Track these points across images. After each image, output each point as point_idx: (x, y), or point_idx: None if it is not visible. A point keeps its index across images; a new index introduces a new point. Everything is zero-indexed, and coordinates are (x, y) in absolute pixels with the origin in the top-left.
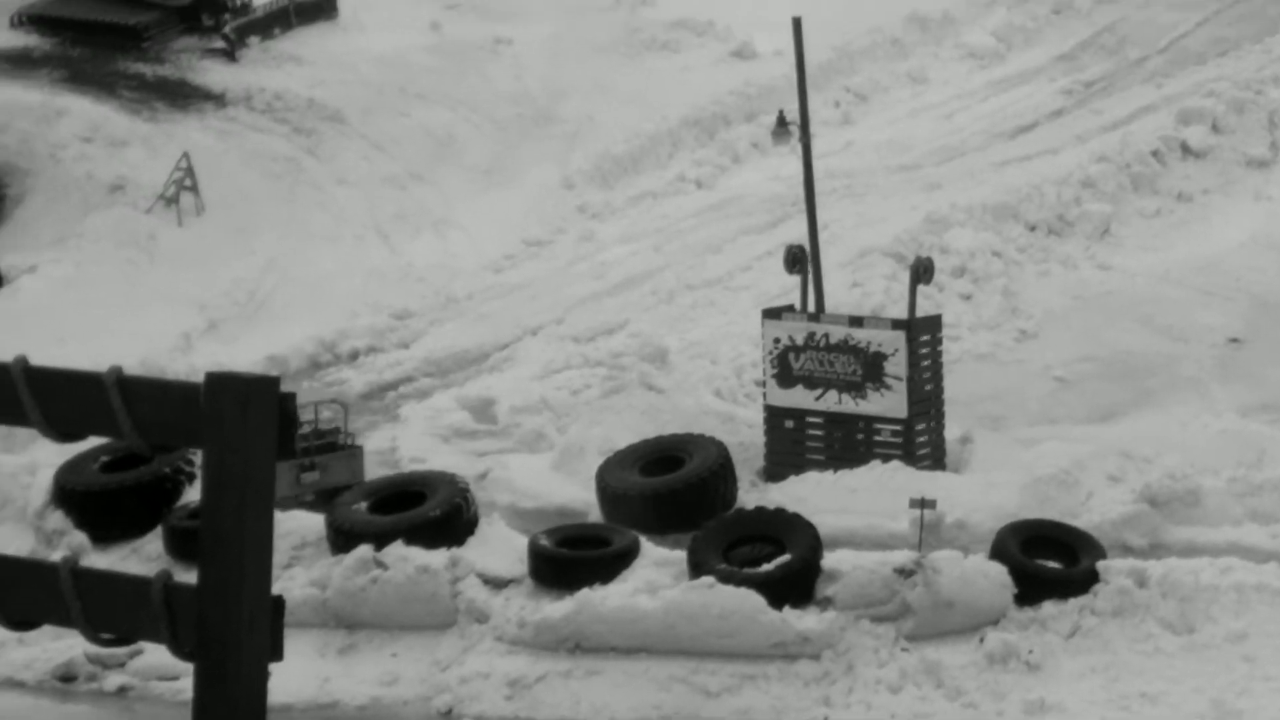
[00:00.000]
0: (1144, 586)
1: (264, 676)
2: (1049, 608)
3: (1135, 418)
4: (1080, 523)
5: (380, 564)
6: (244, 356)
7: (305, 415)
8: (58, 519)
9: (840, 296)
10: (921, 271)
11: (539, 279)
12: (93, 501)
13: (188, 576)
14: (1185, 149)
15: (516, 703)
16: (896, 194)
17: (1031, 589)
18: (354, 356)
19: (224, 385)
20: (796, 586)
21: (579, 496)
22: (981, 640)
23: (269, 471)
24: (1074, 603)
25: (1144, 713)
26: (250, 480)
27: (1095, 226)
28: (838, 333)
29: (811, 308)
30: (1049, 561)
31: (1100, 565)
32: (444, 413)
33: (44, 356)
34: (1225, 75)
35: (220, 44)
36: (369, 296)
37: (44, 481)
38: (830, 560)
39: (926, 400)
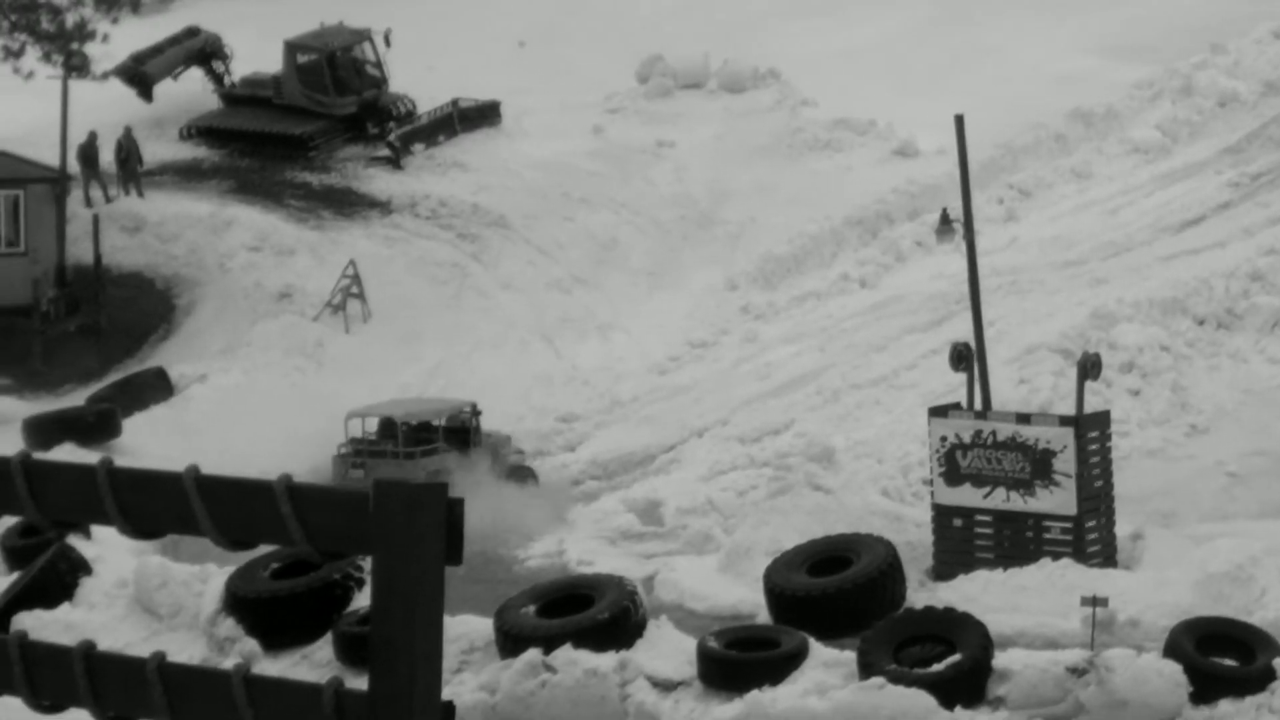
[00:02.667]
0: None
1: None
2: (1225, 706)
3: None
4: (1255, 619)
5: (549, 668)
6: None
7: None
8: (229, 626)
9: (1007, 394)
10: (1089, 367)
11: (703, 380)
12: (264, 608)
13: (358, 683)
14: None
15: None
16: (1062, 290)
17: (1207, 687)
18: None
19: (392, 492)
20: (968, 686)
21: (747, 598)
22: None
23: (438, 578)
24: (1251, 701)
25: None
26: (420, 586)
27: (1265, 319)
28: (1005, 430)
29: (978, 405)
30: (1224, 659)
31: (1277, 662)
32: (611, 515)
33: (214, 464)
34: None
35: (385, 152)
36: (535, 401)
37: (215, 589)
38: (1001, 660)
39: (1096, 497)
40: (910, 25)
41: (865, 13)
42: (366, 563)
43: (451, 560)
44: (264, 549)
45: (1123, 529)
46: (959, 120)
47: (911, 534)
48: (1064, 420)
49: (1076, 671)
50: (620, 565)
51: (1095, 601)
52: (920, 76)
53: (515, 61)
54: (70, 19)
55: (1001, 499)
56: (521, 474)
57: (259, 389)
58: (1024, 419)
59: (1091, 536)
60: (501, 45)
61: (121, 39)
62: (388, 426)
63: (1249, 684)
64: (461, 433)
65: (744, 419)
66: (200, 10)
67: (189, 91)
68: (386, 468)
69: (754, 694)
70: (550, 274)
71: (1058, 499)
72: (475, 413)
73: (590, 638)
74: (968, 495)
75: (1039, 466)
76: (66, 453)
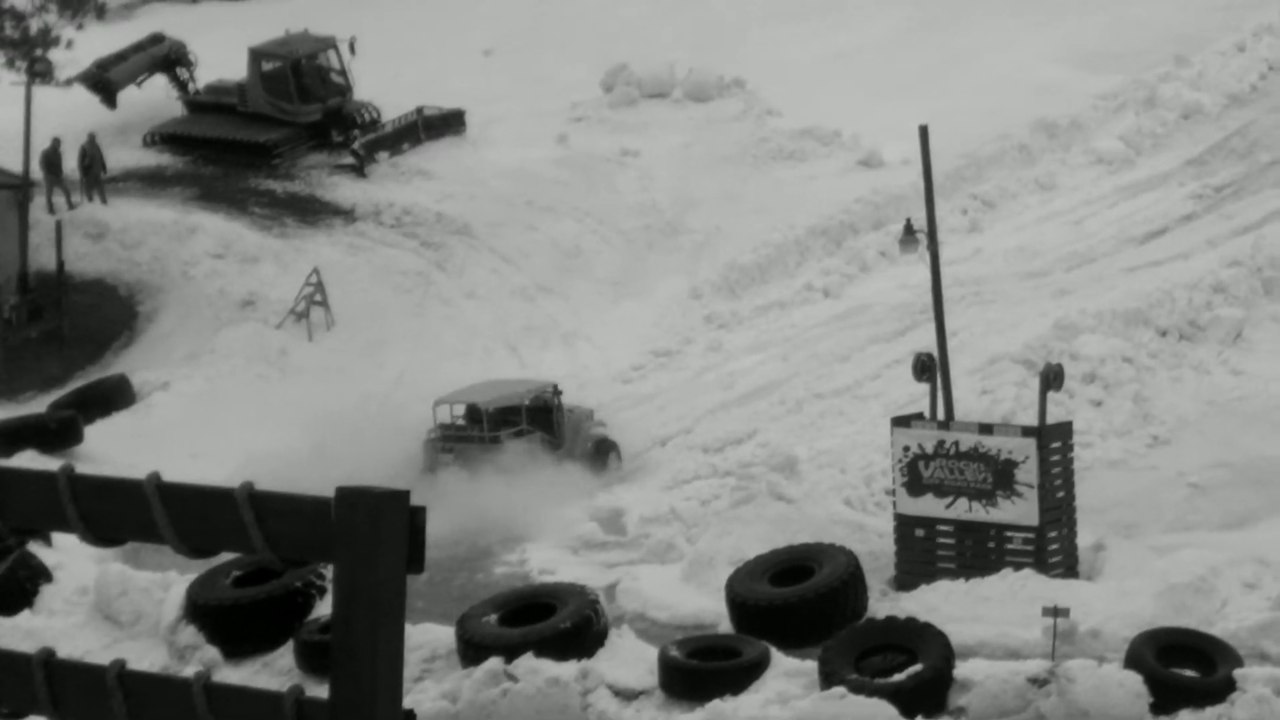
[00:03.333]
0: None
1: None
2: (1186, 717)
3: (1271, 524)
4: (1216, 630)
5: (511, 676)
6: (369, 472)
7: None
8: (190, 634)
9: (970, 404)
10: (1052, 378)
11: (667, 389)
12: (225, 616)
13: (320, 691)
14: None
15: None
16: (1025, 301)
17: (1168, 698)
18: None
19: (355, 500)
20: (929, 696)
21: (709, 607)
22: None
23: (400, 585)
24: (1211, 712)
25: None
26: (382, 595)
27: (1227, 331)
28: (968, 440)
29: (941, 416)
30: (1185, 670)
31: (1237, 673)
32: (574, 524)
33: (176, 472)
34: None
35: (350, 160)
36: None
37: (176, 596)
38: (963, 670)
39: (1058, 507)
40: (878, 35)
41: (833, 23)
42: (328, 570)
43: (413, 568)
44: (226, 556)
45: (1084, 540)
46: (923, 131)
47: (874, 544)
48: (1026, 431)
49: (1037, 682)
50: (582, 574)
51: (1056, 612)
52: (887, 86)
53: (481, 70)
54: (34, 25)
55: (964, 509)
56: (604, 447)
57: (222, 396)
58: (986, 429)
59: (1053, 547)
60: (467, 53)
61: (86, 45)
62: (474, 412)
63: (1209, 695)
64: (545, 412)
65: (707, 428)
66: (165, 17)
67: (153, 98)
68: (474, 452)
69: (715, 703)
70: (514, 282)
71: (1020, 509)
72: (557, 392)
73: (552, 647)
74: (930, 505)
75: (1001, 477)
76: (28, 460)
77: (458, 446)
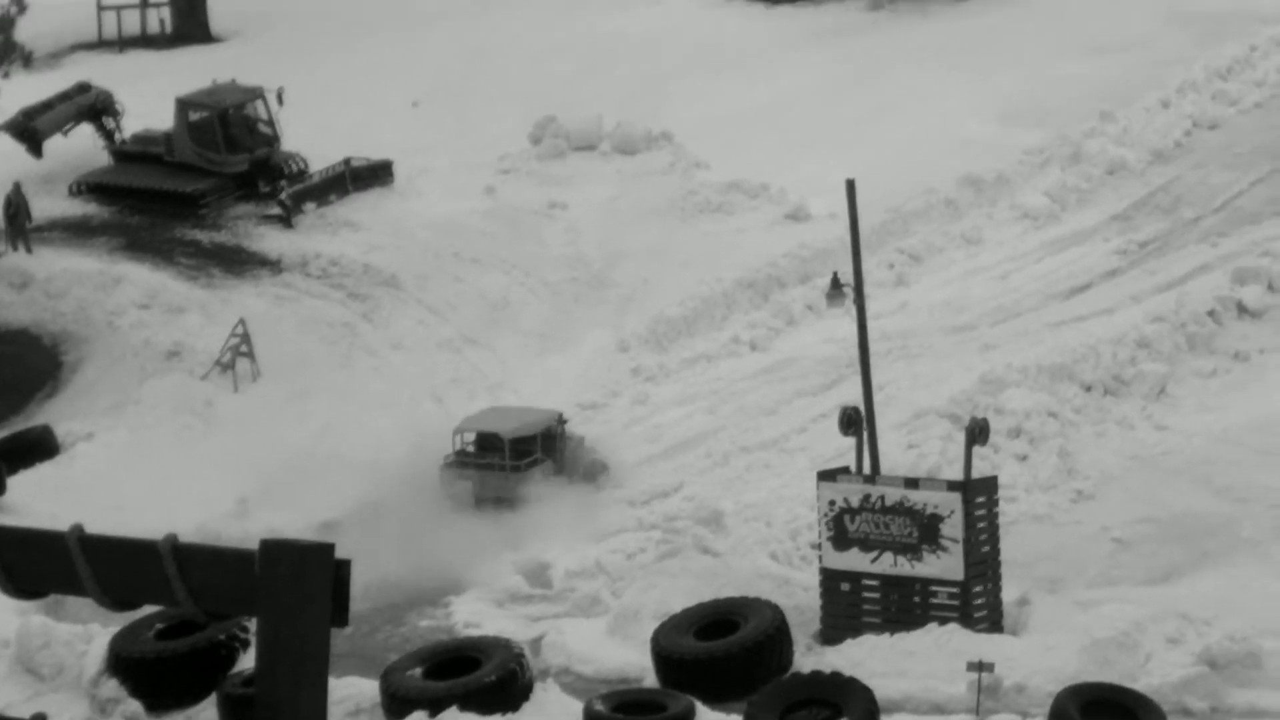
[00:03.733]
0: None
1: None
2: None
3: (1194, 579)
4: (1140, 686)
5: None
6: (299, 522)
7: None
8: (112, 687)
9: (896, 458)
10: (977, 433)
11: (594, 442)
12: (147, 669)
13: None
14: (1241, 308)
15: None
16: (952, 355)
17: None
18: None
19: (279, 552)
20: None
21: (634, 661)
22: None
23: (324, 639)
24: None
25: None
26: (305, 648)
27: (1151, 387)
28: (893, 494)
29: (867, 469)
30: None
31: None
32: (499, 576)
33: (100, 524)
34: None
35: (277, 210)
36: (424, 461)
37: (99, 649)
38: None
39: (983, 562)
40: (804, 89)
41: (759, 77)
42: (252, 623)
43: (338, 622)
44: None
45: (1009, 594)
46: (850, 185)
47: (799, 598)
48: (952, 485)
49: None
50: (508, 627)
51: (981, 667)
52: (814, 140)
53: (409, 121)
54: None
55: (889, 563)
56: (595, 468)
57: (147, 447)
58: (912, 484)
59: (978, 601)
60: (395, 105)
61: (12, 94)
62: (490, 440)
63: None
64: (551, 440)
65: (633, 481)
66: (92, 66)
67: (79, 147)
68: (494, 479)
69: None
70: (441, 334)
71: (945, 564)
72: (562, 422)
73: (477, 700)
74: (855, 559)
75: (926, 531)
76: None
77: (476, 473)
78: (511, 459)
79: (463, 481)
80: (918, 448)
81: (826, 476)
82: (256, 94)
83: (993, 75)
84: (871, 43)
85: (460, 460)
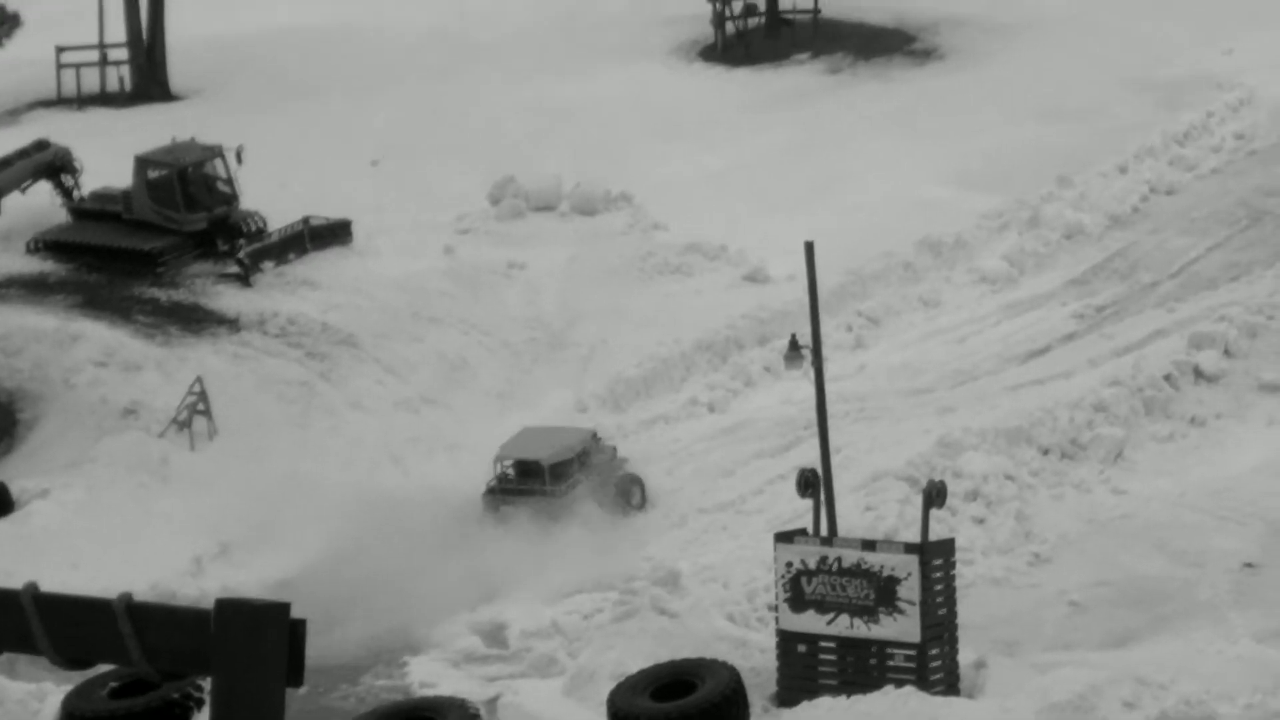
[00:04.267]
0: None
1: None
2: None
3: (1151, 643)
4: None
5: None
6: (255, 581)
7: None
8: None
9: (853, 520)
10: (934, 495)
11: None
12: None
13: None
14: (1198, 373)
15: None
16: (909, 417)
17: None
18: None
19: (235, 612)
20: None
21: None
22: None
23: (279, 699)
24: None
25: None
26: (259, 707)
27: (1109, 450)
28: (850, 557)
29: (824, 531)
30: None
31: None
32: (455, 637)
33: (55, 582)
34: (1237, 300)
35: (235, 269)
36: (381, 521)
37: (51, 708)
38: None
39: (940, 625)
40: (764, 153)
41: (719, 140)
42: (207, 682)
43: (293, 681)
44: (104, 667)
45: (966, 657)
46: (809, 247)
47: (756, 659)
48: (909, 547)
49: None
50: (464, 688)
51: None
52: (773, 203)
53: (368, 180)
54: None
55: (845, 625)
56: (627, 483)
57: (103, 505)
58: (869, 546)
59: (935, 664)
60: (355, 164)
61: None
62: (530, 466)
63: None
64: (587, 458)
65: (589, 542)
66: (50, 123)
67: (37, 205)
68: (538, 504)
69: None
70: (399, 393)
71: (901, 626)
72: (596, 439)
73: None
74: (812, 621)
75: (883, 593)
76: None
77: (517, 500)
78: (550, 483)
79: (506, 508)
80: (875, 510)
81: (784, 538)
82: (215, 152)
83: (951, 139)
84: (831, 106)
85: (502, 487)
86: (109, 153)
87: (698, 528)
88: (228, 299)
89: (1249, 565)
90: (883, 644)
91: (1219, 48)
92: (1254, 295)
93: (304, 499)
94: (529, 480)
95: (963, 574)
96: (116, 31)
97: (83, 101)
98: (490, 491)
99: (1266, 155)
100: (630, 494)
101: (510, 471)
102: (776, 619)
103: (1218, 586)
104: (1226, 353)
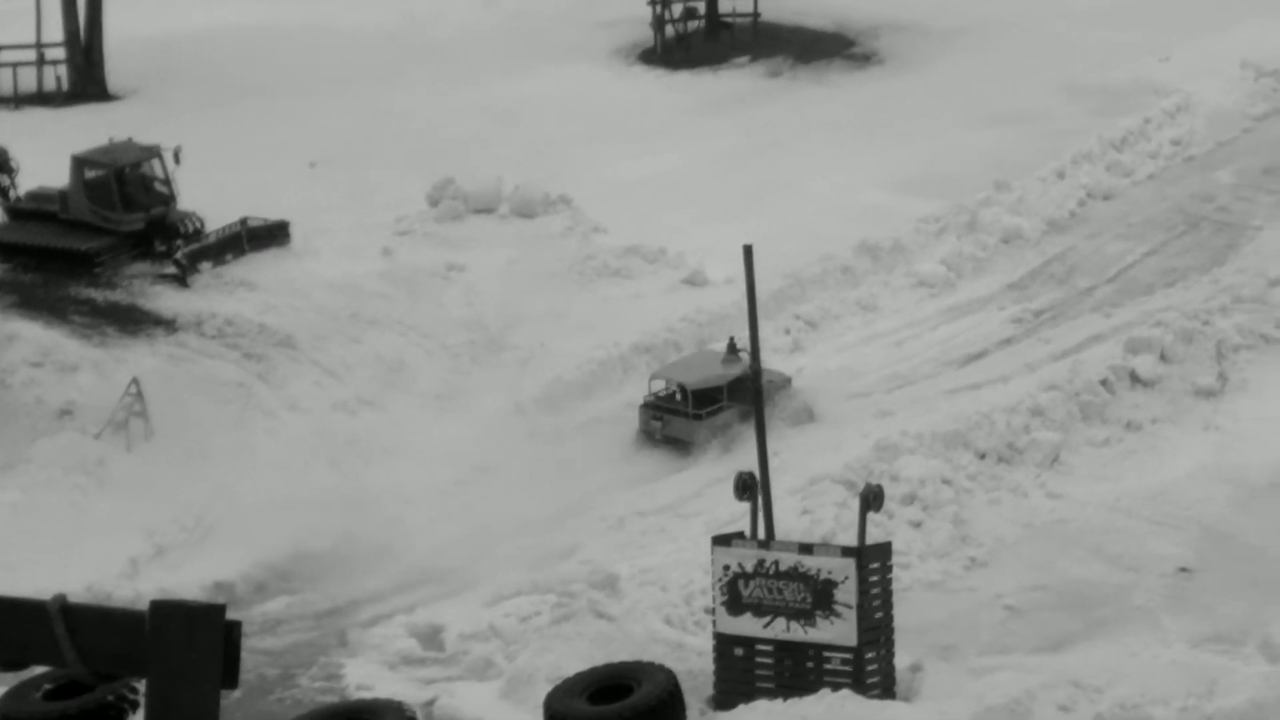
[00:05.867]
0: None
1: None
2: None
3: (1086, 647)
4: None
5: None
6: (191, 583)
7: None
8: None
9: (790, 523)
10: (871, 499)
11: (489, 505)
12: None
13: None
14: (1134, 378)
15: None
16: (847, 421)
17: None
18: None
19: (169, 613)
20: None
21: None
22: None
23: (214, 702)
24: None
25: None
26: (195, 709)
27: (1045, 455)
28: (787, 560)
29: (761, 535)
30: None
31: None
32: (391, 639)
33: None
34: (1173, 305)
35: (172, 270)
36: (316, 523)
37: None
38: None
39: (876, 628)
40: (702, 158)
41: (658, 145)
42: (142, 684)
43: (228, 683)
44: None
45: (902, 661)
46: (747, 250)
47: (693, 662)
48: (846, 551)
49: None
50: (400, 691)
51: None
52: (712, 207)
53: (306, 182)
54: None
55: (782, 629)
56: (799, 416)
57: (38, 506)
58: (806, 549)
59: (871, 668)
60: (293, 165)
61: None
62: (681, 387)
63: None
64: (742, 385)
65: (528, 545)
66: None
67: None
68: (679, 423)
69: None
70: (337, 395)
71: (838, 630)
72: (758, 371)
73: None
74: (749, 625)
75: (820, 597)
76: None
77: (665, 416)
78: (695, 407)
79: (655, 423)
80: (812, 513)
81: (721, 541)
82: (153, 152)
83: (890, 144)
84: (770, 110)
85: (656, 403)
86: (46, 152)
87: (635, 531)
88: (165, 300)
89: (1184, 570)
90: (820, 647)
91: (1157, 55)
92: (1190, 301)
93: (240, 500)
94: (680, 400)
95: (899, 578)
96: (54, 30)
97: (19, 101)
98: (645, 406)
99: (1203, 161)
100: (799, 417)
101: (668, 389)
102: (714, 622)
103: (1153, 591)
104: (1162, 358)
